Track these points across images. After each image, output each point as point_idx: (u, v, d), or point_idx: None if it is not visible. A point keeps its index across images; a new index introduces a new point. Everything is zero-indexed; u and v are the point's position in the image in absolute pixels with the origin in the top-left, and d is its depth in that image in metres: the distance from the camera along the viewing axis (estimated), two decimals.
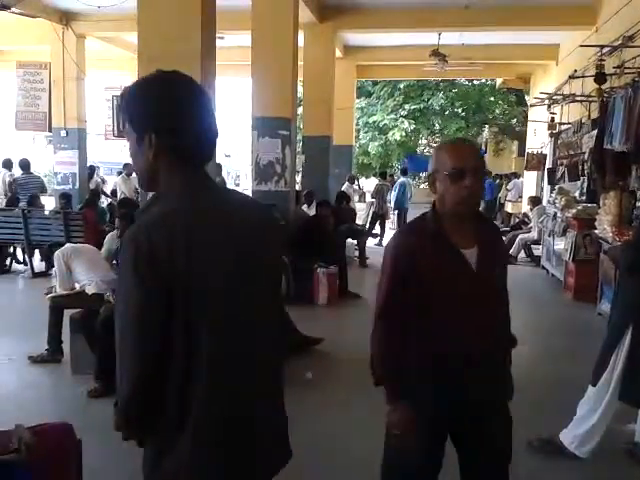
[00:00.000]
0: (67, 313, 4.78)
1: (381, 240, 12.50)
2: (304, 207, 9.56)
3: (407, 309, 1.95)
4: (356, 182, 14.37)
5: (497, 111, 22.28)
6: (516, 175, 18.05)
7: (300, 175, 11.45)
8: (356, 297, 7.46)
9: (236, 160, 31.05)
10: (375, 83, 21.66)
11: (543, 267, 9.82)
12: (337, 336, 5.81)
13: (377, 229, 12.50)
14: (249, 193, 8.72)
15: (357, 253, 10.03)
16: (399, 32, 11.61)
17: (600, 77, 6.91)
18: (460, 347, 1.90)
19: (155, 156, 1.38)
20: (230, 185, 21.78)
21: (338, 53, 12.44)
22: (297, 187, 10.25)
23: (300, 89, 10.65)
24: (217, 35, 5.20)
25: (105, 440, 2.62)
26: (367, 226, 12.12)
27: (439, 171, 1.92)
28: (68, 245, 5.14)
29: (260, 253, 1.43)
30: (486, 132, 24.77)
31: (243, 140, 26.51)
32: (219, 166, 10.67)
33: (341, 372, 4.81)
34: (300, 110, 11.24)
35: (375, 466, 2.16)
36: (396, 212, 13.14)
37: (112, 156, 21.85)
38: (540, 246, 10.28)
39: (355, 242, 10.03)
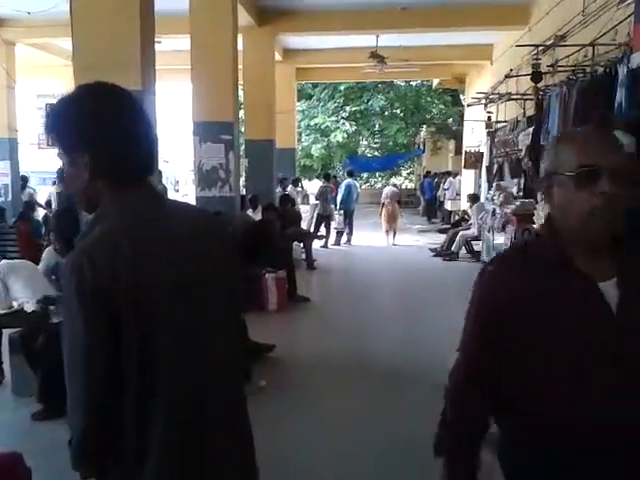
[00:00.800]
0: (6, 333, 4.55)
1: (327, 242, 12.55)
2: (249, 212, 9.48)
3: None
4: (300, 184, 14.36)
5: (434, 111, 22.78)
6: (451, 173, 18.49)
7: (244, 180, 11.35)
8: (305, 300, 7.44)
9: (175, 166, 30.49)
10: (315, 86, 21.75)
11: (483, 262, 10.03)
12: (289, 341, 5.77)
13: (322, 231, 12.52)
14: (191, 199, 8.57)
15: (304, 256, 10.01)
16: (337, 35, 11.69)
17: (536, 76, 7.12)
18: (595, 439, 1.24)
19: (91, 176, 1.30)
20: (170, 191, 21.37)
21: (278, 56, 12.44)
22: (241, 192, 10.18)
23: (241, 93, 10.57)
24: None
25: (53, 464, 2.48)
26: (312, 228, 12.11)
27: (558, 171, 1.31)
28: (4, 262, 4.88)
29: (209, 262, 1.37)
30: (424, 132, 25.29)
31: (181, 145, 26.06)
32: (159, 173, 10.43)
33: (295, 378, 4.78)
34: (242, 114, 11.13)
35: (326, 475, 2.11)
36: (342, 213, 13.19)
37: (46, 165, 21.02)
38: (480, 242, 10.56)
39: (302, 245, 10.01)
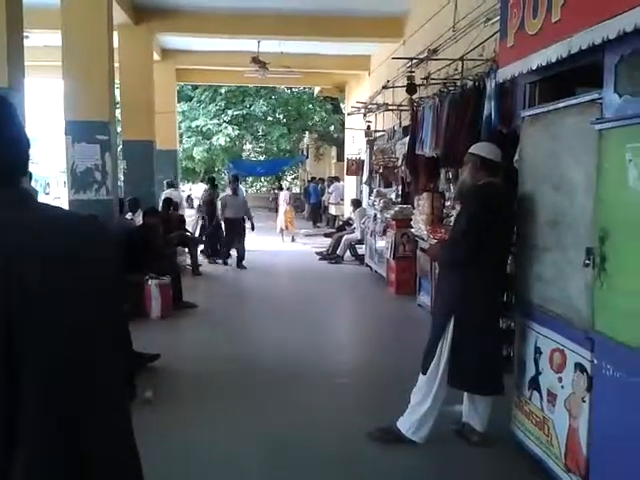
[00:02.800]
0: None
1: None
2: (129, 216, 9.12)
3: None
4: (176, 187, 13.80)
5: (316, 118, 23.20)
6: (337, 179, 18.95)
7: (122, 182, 10.89)
8: (191, 307, 7.28)
9: (45, 167, 28.55)
10: (196, 87, 21.37)
11: (367, 265, 10.43)
12: (175, 350, 5.61)
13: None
14: (63, 202, 8.07)
15: (189, 261, 9.79)
16: (218, 37, 11.59)
17: (411, 88, 7.50)
18: None
19: None
20: (40, 194, 19.94)
21: (156, 56, 12.15)
22: (120, 195, 9.78)
23: (117, 92, 10.17)
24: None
25: None
26: (197, 233, 11.85)
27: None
28: None
29: (84, 269, 1.31)
30: (307, 138, 25.68)
31: (52, 145, 24.44)
32: (29, 175, 9.72)
33: (181, 388, 4.66)
34: (119, 114, 10.70)
35: None
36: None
37: None
38: (363, 245, 10.92)
39: (187, 250, 9.77)
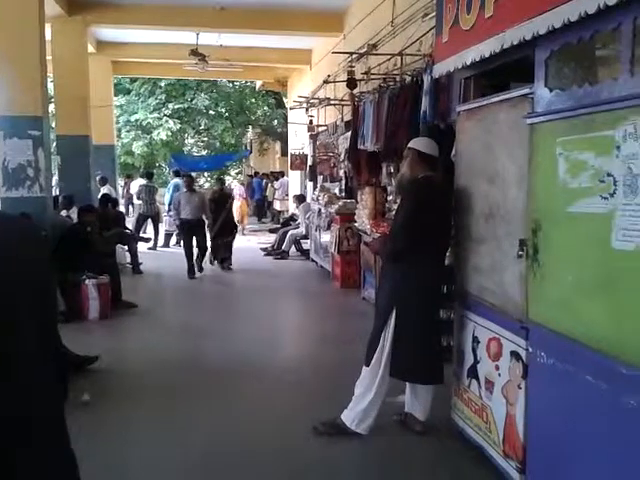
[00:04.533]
0: None
1: (155, 243, 12.07)
2: (63, 213, 8.81)
3: None
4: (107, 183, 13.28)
5: (259, 112, 23.02)
6: (282, 174, 18.87)
7: (57, 178, 10.51)
8: (131, 307, 7.09)
9: None
10: (134, 80, 20.82)
11: (312, 260, 10.45)
12: (115, 351, 5.46)
13: (150, 232, 12.04)
14: None
15: (129, 259, 9.54)
16: (155, 29, 11.34)
17: (351, 82, 7.53)
18: None
19: None
20: None
21: (91, 48, 11.80)
22: (55, 191, 9.45)
23: (51, 86, 9.81)
24: None
25: None
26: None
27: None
28: None
29: (11, 269, 1.24)
30: (250, 133, 25.45)
31: None
32: None
33: (122, 389, 4.53)
34: (52, 108, 10.31)
35: None
36: (169, 214, 12.76)
37: None
38: (308, 240, 10.93)
39: (126, 248, 9.51)
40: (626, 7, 2.01)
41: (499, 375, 3.08)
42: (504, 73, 3.29)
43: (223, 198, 10.20)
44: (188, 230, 9.33)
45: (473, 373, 3.38)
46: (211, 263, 10.03)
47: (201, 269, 9.36)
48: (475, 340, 3.35)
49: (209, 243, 9.74)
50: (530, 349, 2.76)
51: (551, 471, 2.63)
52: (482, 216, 3.25)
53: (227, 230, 9.98)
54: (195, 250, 9.30)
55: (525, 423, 2.83)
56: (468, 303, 3.44)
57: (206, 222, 9.57)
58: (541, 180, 2.65)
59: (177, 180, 13.31)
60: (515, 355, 2.90)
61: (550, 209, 2.59)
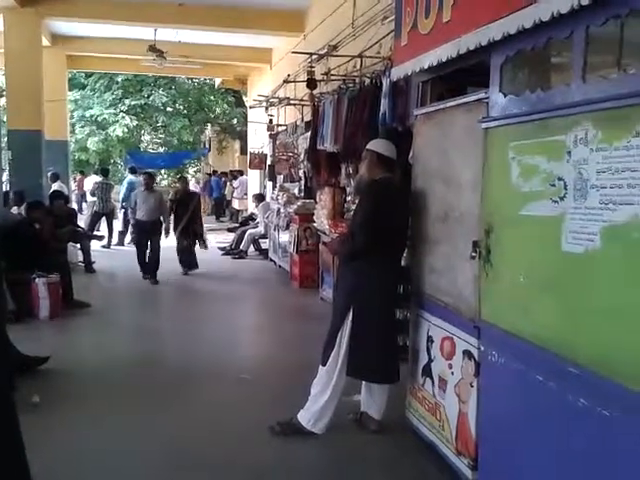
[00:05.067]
0: None
1: (109, 241, 11.82)
2: (14, 209, 8.55)
3: None
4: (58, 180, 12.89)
5: (218, 110, 22.82)
6: (241, 173, 18.74)
7: (7, 174, 10.18)
8: (84, 306, 6.92)
9: None
10: (89, 75, 20.35)
11: (271, 259, 10.42)
12: (66, 351, 5.31)
13: (104, 230, 11.78)
14: None
15: (82, 258, 9.32)
16: (112, 24, 11.10)
17: (311, 83, 7.53)
18: None
19: None
20: None
21: (46, 41, 11.47)
22: (5, 187, 9.16)
23: (2, 78, 9.51)
24: None
25: None
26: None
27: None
28: None
29: None
30: (209, 131, 25.20)
31: None
32: None
33: (74, 390, 4.41)
34: (3, 101, 10.00)
35: None
36: (122, 211, 12.52)
37: None
38: (267, 240, 10.89)
39: (79, 246, 9.28)
40: (579, 16, 2.07)
41: (452, 374, 3.13)
42: (461, 77, 3.36)
43: (187, 198, 9.39)
44: (143, 232, 8.70)
45: (427, 372, 3.43)
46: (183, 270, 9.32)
47: (156, 282, 8.47)
48: (429, 339, 3.40)
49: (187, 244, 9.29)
50: (482, 348, 2.82)
51: (502, 468, 2.69)
52: (438, 218, 3.30)
53: (189, 233, 9.24)
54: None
55: (477, 421, 2.88)
56: (423, 303, 3.49)
57: (163, 224, 8.77)
58: (494, 183, 2.71)
59: (132, 177, 13.06)
60: (468, 354, 2.96)
61: (503, 212, 2.65)
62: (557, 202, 2.26)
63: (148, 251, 8.68)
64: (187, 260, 9.33)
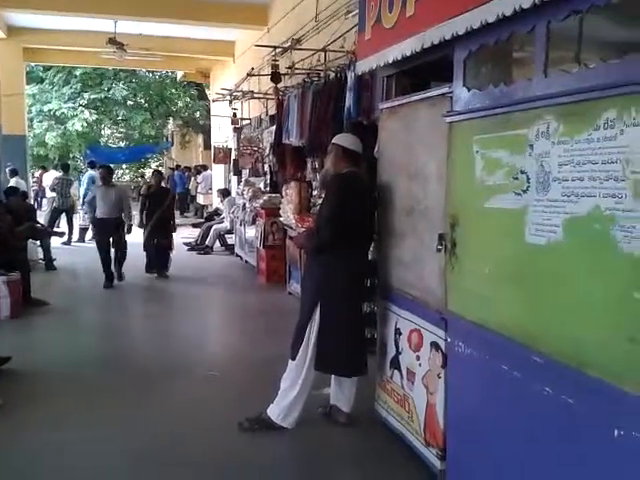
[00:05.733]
0: None
1: (70, 238, 11.56)
2: None
3: None
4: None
5: (180, 104, 22.52)
6: (205, 167, 18.54)
7: None
8: (43, 304, 6.75)
9: None
10: (48, 68, 19.82)
11: (237, 255, 10.35)
12: (29, 351, 5.19)
13: (65, 227, 11.52)
14: None
15: (42, 255, 9.09)
16: (70, 16, 10.82)
17: (275, 76, 7.49)
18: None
19: None
20: None
21: (1, 34, 11.11)
22: None
23: None
24: None
25: None
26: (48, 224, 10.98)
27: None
28: None
29: None
30: (171, 124, 24.85)
31: None
32: None
33: (35, 391, 4.31)
34: None
35: None
36: (84, 207, 12.26)
37: None
38: (233, 235, 10.81)
39: (38, 243, 9.05)
40: (540, 10, 2.10)
41: (420, 365, 3.17)
42: (425, 72, 3.38)
43: (160, 194, 8.69)
44: (103, 231, 7.96)
45: (395, 364, 3.46)
46: (147, 272, 8.72)
47: (121, 277, 8.15)
48: (397, 332, 3.43)
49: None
50: (449, 339, 2.86)
51: (470, 457, 2.74)
52: (404, 211, 3.32)
53: (161, 231, 8.54)
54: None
55: (445, 411, 2.92)
56: (391, 296, 3.51)
57: (126, 222, 8.09)
58: (459, 177, 2.74)
59: (92, 172, 12.75)
60: (435, 345, 2.99)
61: (467, 205, 2.69)
62: (520, 195, 2.30)
63: (113, 251, 8.04)
64: (160, 262, 8.67)
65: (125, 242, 8.12)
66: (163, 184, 9.62)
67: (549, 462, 2.18)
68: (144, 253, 8.72)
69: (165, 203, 8.63)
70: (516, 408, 2.36)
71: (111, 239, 7.97)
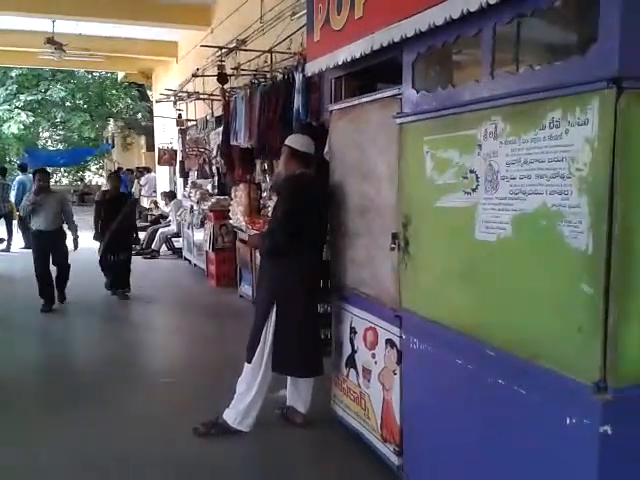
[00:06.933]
0: None
1: (9, 245, 11.10)
2: None
3: None
4: None
5: (121, 105, 21.99)
6: (148, 170, 18.16)
7: None
8: None
9: None
10: None
11: (185, 258, 10.19)
12: None
13: (4, 233, 11.06)
14: None
15: None
16: (6, 14, 10.40)
17: (222, 77, 7.42)
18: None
19: None
20: None
21: None
22: None
23: None
24: None
25: None
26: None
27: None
28: None
29: None
30: (112, 126, 24.24)
31: None
32: None
33: None
34: None
35: None
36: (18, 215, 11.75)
37: None
38: (180, 239, 10.64)
39: None
40: (487, 14, 2.17)
41: (375, 363, 3.21)
42: (373, 74, 3.42)
43: (119, 201, 7.51)
44: (41, 245, 6.76)
45: (351, 363, 3.49)
46: (107, 288, 7.75)
47: (63, 298, 7.14)
48: (352, 331, 3.46)
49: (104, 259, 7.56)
50: (404, 336, 2.91)
51: (427, 452, 2.79)
52: (357, 211, 3.36)
53: (120, 244, 7.46)
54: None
55: (401, 407, 2.97)
56: (345, 296, 3.54)
57: (72, 235, 7.05)
58: (410, 177, 2.79)
59: (23, 177, 11.98)
60: (390, 343, 3.04)
61: (419, 204, 2.74)
62: (470, 193, 2.36)
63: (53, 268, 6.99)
64: (120, 280, 7.62)
65: (66, 258, 7.02)
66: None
67: (503, 453, 2.25)
68: (98, 269, 7.72)
69: (124, 210, 7.46)
70: (470, 401, 2.42)
71: (51, 255, 6.84)
